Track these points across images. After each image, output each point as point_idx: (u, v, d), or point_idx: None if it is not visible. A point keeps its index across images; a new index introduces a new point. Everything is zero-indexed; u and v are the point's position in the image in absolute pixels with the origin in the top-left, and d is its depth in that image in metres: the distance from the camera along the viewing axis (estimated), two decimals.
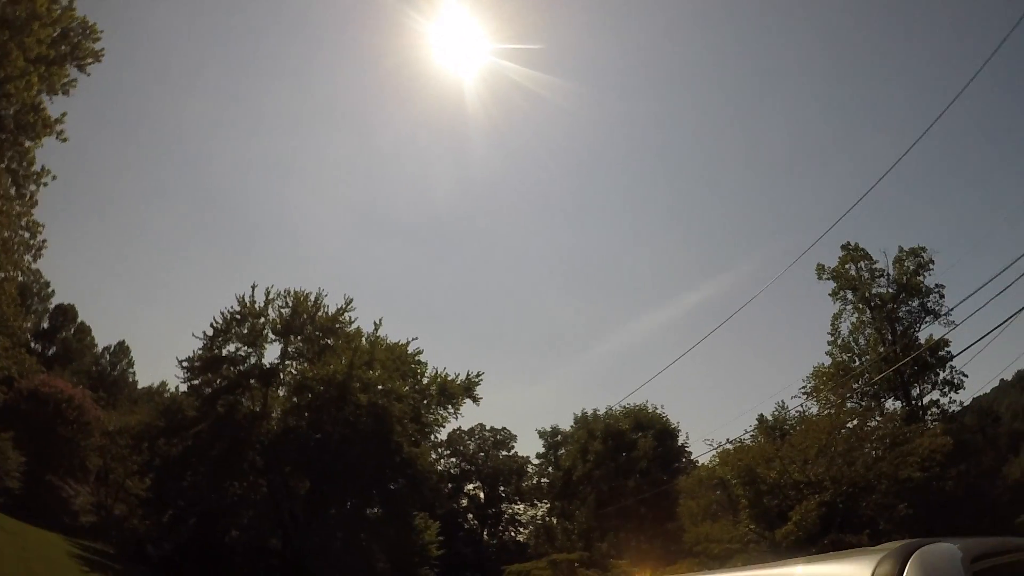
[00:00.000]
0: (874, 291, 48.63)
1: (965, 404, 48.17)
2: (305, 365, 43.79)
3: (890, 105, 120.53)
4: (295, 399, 43.43)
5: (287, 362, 44.75)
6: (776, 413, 48.74)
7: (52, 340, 78.22)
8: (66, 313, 79.78)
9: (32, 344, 64.72)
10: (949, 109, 20.57)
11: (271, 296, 44.17)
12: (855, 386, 45.94)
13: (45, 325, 78.12)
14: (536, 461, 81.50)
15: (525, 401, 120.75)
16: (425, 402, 46.82)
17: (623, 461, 62.04)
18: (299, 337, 44.87)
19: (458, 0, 70.46)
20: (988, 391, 57.90)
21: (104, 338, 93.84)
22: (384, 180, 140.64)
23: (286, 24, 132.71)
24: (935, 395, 47.21)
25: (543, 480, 79.58)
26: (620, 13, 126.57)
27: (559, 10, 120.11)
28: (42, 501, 38.48)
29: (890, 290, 48.06)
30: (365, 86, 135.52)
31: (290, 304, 44.45)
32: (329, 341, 45.23)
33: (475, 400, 47.64)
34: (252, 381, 43.35)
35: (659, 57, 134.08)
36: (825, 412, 39.75)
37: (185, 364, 42.88)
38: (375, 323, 46.07)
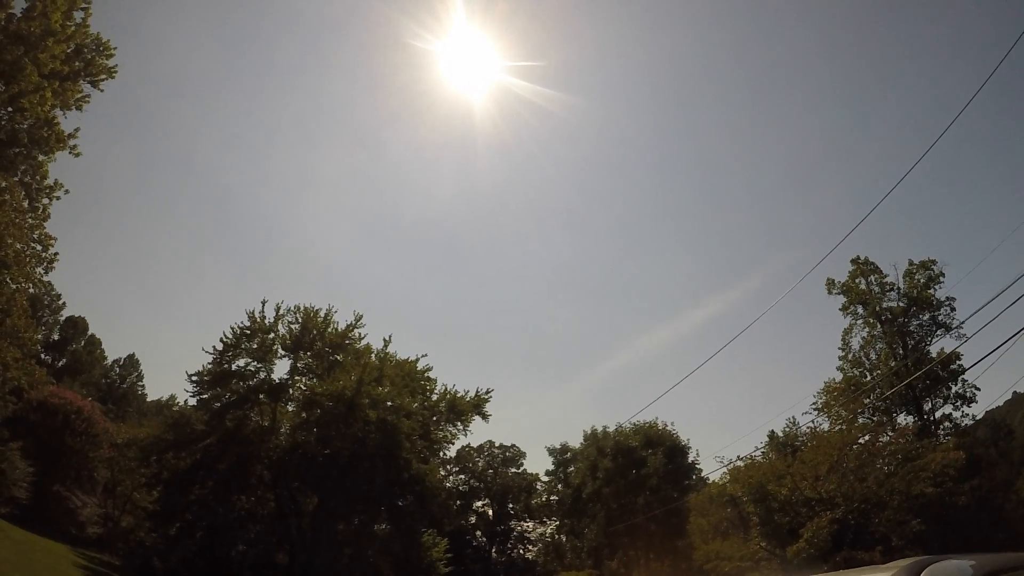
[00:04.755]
0: (884, 305, 48.35)
1: (978, 418, 47.88)
2: (314, 381, 43.71)
3: (898, 116, 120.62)
4: (304, 414, 43.33)
5: (296, 378, 44.69)
6: (787, 429, 48.58)
7: (62, 352, 78.68)
8: (76, 325, 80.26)
9: (42, 355, 65.10)
10: (958, 120, 20.51)
11: (281, 312, 44.26)
12: (866, 401, 45.61)
13: (56, 337, 78.63)
14: (545, 478, 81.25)
15: (535, 418, 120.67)
16: (434, 419, 46.61)
17: (633, 478, 61.68)
18: (308, 353, 44.87)
19: (467, 20, 71.35)
20: (1001, 404, 57.65)
21: (114, 351, 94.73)
22: (394, 195, 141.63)
23: (298, 41, 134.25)
24: (947, 409, 46.91)
25: (552, 497, 79.17)
26: (625, 29, 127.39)
27: (565, 28, 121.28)
28: (49, 512, 38.57)
29: (901, 304, 47.77)
30: (376, 103, 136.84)
31: (300, 320, 44.49)
32: (338, 357, 45.18)
33: (484, 417, 47.43)
34: (261, 396, 43.34)
35: (663, 71, 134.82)
36: (836, 428, 39.48)
37: (194, 378, 42.96)
38: (384, 339, 46.07)
